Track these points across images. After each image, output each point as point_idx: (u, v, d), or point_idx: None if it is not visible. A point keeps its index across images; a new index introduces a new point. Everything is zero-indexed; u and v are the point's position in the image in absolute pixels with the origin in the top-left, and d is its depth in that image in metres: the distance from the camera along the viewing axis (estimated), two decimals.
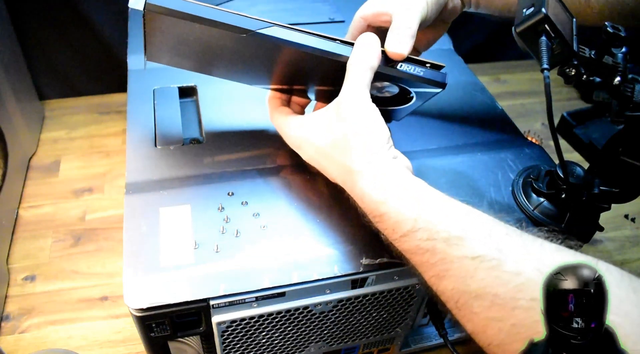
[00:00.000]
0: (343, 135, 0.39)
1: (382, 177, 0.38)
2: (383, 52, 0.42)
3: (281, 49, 0.40)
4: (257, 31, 0.38)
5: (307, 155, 0.44)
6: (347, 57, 0.40)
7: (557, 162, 0.42)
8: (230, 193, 0.46)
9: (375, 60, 0.40)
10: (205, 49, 0.41)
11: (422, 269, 0.36)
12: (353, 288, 0.43)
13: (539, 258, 0.32)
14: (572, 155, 0.45)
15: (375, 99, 0.40)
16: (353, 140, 0.39)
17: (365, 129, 0.39)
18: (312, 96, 0.49)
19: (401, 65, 0.42)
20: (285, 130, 0.46)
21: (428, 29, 0.49)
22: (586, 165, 0.45)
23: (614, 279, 0.30)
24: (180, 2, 0.37)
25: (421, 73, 0.42)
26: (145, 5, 0.36)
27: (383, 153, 0.38)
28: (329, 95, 0.46)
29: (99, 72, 0.89)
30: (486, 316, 0.32)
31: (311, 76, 0.45)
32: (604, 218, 0.44)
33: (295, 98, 0.49)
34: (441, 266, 0.35)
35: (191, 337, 0.44)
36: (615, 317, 0.26)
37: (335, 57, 0.41)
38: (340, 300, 0.43)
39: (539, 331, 0.26)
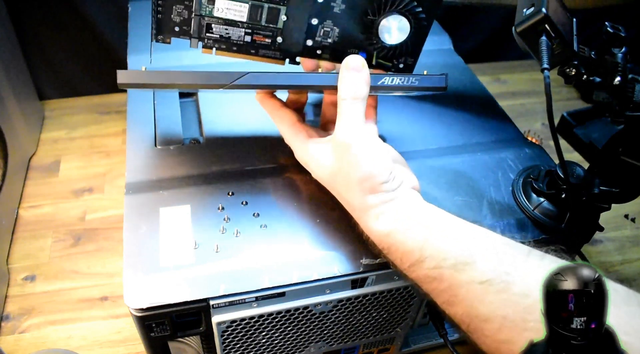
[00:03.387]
0: (340, 170, 0.39)
1: (384, 211, 0.38)
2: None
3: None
4: (232, 83, 0.38)
5: (314, 177, 0.44)
6: (334, 86, 0.40)
7: (557, 161, 0.42)
8: (230, 193, 0.46)
9: (365, 89, 0.39)
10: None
11: (433, 295, 0.37)
12: (353, 288, 0.43)
13: None
14: (572, 155, 0.45)
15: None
16: (352, 178, 0.38)
17: (363, 169, 0.38)
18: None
19: (393, 79, 0.41)
20: (293, 148, 0.45)
21: None
22: (586, 165, 0.45)
23: (621, 297, 0.30)
24: (150, 74, 0.38)
25: (416, 83, 0.42)
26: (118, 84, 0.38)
27: (384, 188, 0.38)
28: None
29: (99, 72, 0.88)
30: (497, 338, 0.33)
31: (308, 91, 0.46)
32: (604, 218, 0.44)
33: (291, 97, 0.48)
34: (450, 292, 0.35)
35: (191, 337, 0.44)
36: (627, 337, 0.25)
37: (321, 88, 0.41)
38: (340, 300, 0.43)
39: None
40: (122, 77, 0.39)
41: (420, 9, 0.44)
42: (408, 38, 0.45)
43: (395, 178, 0.38)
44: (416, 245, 0.36)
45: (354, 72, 0.39)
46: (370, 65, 0.48)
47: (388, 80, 0.41)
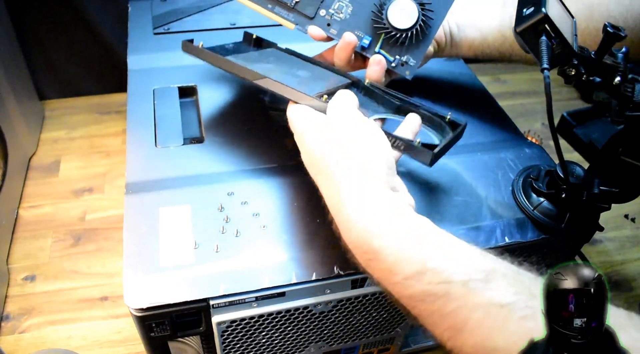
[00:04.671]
0: (333, 151, 0.36)
1: (378, 206, 0.32)
2: None
3: None
4: (253, 82, 0.44)
5: (302, 156, 0.41)
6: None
7: (557, 161, 0.42)
8: (230, 193, 0.46)
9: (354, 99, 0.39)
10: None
11: (431, 320, 0.30)
12: (353, 288, 0.43)
13: None
14: (572, 155, 0.45)
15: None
16: (348, 161, 0.34)
17: (362, 151, 0.34)
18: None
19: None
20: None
21: None
22: (586, 165, 0.45)
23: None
24: (204, 52, 0.47)
25: (401, 147, 0.40)
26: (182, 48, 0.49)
27: (380, 180, 0.34)
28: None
29: (99, 72, 0.89)
30: None
31: None
32: (604, 218, 0.44)
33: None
34: (459, 317, 0.28)
35: (191, 337, 0.44)
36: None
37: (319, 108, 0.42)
38: (340, 300, 0.43)
39: None
40: (183, 45, 0.48)
41: (430, 2, 0.46)
42: (413, 29, 0.46)
43: (394, 176, 0.36)
44: (416, 253, 0.30)
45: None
46: (372, 52, 0.48)
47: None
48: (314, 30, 0.48)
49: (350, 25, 0.48)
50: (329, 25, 0.49)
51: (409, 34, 0.47)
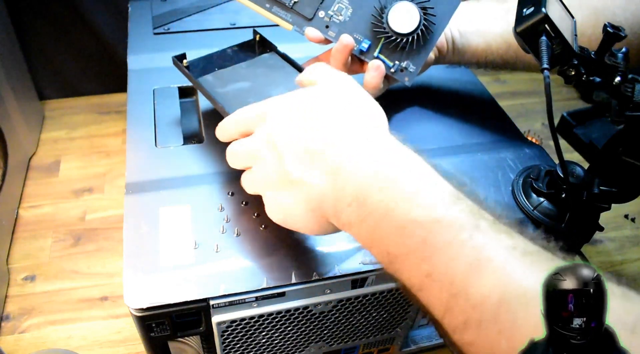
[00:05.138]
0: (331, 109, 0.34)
1: (387, 143, 0.32)
2: None
3: None
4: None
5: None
6: None
7: (557, 161, 0.42)
8: (230, 193, 0.46)
9: None
10: None
11: (449, 252, 0.27)
12: (353, 288, 0.43)
13: None
14: (572, 155, 0.45)
15: None
16: (347, 110, 0.34)
17: (358, 103, 0.34)
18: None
19: None
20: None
21: None
22: (586, 165, 0.45)
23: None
24: (185, 72, 0.49)
25: None
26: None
27: (383, 128, 0.33)
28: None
29: (99, 72, 0.89)
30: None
31: None
32: (604, 218, 0.44)
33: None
34: (482, 253, 0.27)
35: (191, 337, 0.44)
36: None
37: None
38: (340, 300, 0.43)
39: None
40: (174, 61, 0.49)
41: (433, 7, 0.45)
42: (414, 34, 0.45)
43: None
44: (446, 184, 0.30)
45: None
46: (371, 57, 0.48)
47: None
48: (312, 32, 0.48)
49: (349, 28, 0.48)
50: (327, 27, 0.48)
51: (410, 39, 0.46)
